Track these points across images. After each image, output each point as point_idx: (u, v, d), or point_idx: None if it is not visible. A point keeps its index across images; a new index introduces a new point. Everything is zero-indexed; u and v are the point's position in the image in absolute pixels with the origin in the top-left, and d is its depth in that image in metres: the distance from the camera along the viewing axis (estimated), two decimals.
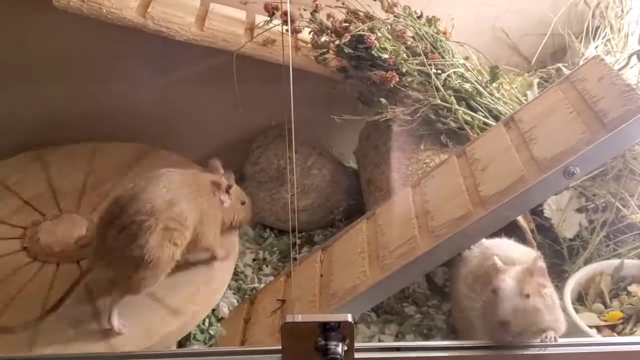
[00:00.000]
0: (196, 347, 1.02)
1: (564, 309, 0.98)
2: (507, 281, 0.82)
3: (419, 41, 1.16)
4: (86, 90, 1.25)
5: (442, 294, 1.10)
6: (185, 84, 1.27)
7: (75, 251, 1.07)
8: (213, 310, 1.07)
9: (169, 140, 1.27)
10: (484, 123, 1.12)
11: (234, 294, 1.12)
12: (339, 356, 0.73)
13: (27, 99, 1.25)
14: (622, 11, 1.27)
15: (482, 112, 1.14)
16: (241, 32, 1.18)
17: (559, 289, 0.99)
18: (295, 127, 1.23)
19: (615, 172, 1.09)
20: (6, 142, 1.24)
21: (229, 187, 1.04)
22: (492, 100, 1.15)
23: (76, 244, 1.08)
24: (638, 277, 1.05)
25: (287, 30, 1.12)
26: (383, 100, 1.13)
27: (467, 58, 1.21)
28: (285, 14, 1.16)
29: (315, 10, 1.17)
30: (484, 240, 0.94)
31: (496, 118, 1.13)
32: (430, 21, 1.19)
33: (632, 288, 1.04)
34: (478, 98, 1.15)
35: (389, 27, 1.17)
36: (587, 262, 1.05)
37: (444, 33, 1.19)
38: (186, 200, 0.97)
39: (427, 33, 1.17)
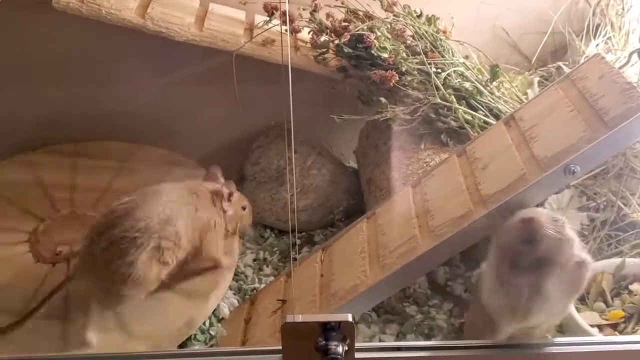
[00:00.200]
0: (197, 347, 1.02)
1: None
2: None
3: (419, 40, 1.16)
4: (86, 91, 1.25)
5: (444, 294, 1.10)
6: (184, 85, 1.27)
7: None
8: (213, 310, 1.07)
9: (169, 140, 1.27)
10: (485, 122, 1.12)
11: (234, 294, 1.12)
12: (339, 356, 0.72)
13: (27, 99, 1.25)
14: (623, 9, 1.26)
15: (483, 111, 1.14)
16: (240, 32, 1.18)
17: None
18: (294, 127, 1.23)
19: (617, 171, 1.09)
20: (5, 143, 1.24)
21: (230, 195, 1.04)
22: (493, 99, 1.15)
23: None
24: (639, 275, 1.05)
25: (285, 30, 1.12)
26: (383, 99, 1.13)
27: (467, 57, 1.21)
28: (284, 14, 1.16)
29: (314, 10, 1.17)
30: None
31: (497, 117, 1.12)
32: (430, 20, 1.19)
33: (634, 287, 1.03)
34: (478, 97, 1.14)
35: (389, 26, 1.17)
36: None
37: (444, 32, 1.19)
38: (184, 217, 0.96)
39: (426, 32, 1.16)
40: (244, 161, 1.29)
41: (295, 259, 1.14)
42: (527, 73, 1.28)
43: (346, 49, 1.15)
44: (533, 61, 1.33)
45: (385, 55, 1.13)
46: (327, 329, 0.73)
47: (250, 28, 1.21)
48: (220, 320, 1.07)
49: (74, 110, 1.26)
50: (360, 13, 1.18)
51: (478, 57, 1.22)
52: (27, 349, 0.92)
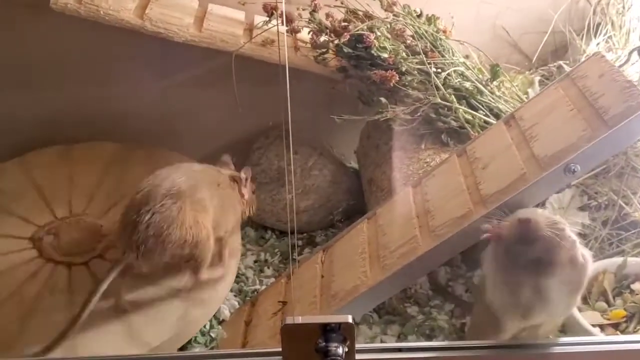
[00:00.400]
0: (197, 349, 1.01)
1: None
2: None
3: (419, 40, 1.15)
4: (84, 92, 1.25)
5: (445, 294, 1.09)
6: (184, 85, 1.27)
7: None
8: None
9: (169, 141, 1.26)
10: (485, 122, 1.12)
11: (235, 296, 1.12)
12: (339, 357, 0.72)
13: (26, 100, 1.25)
14: (624, 8, 1.26)
15: (483, 111, 1.13)
16: (240, 32, 1.18)
17: None
18: (295, 127, 1.22)
19: (618, 170, 1.08)
20: (3, 144, 1.23)
21: (247, 180, 1.06)
22: (493, 98, 1.14)
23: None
24: None
25: (286, 31, 1.12)
26: (383, 99, 1.13)
27: (467, 56, 1.20)
28: (285, 15, 1.16)
29: (314, 10, 1.17)
30: None
31: (497, 116, 1.12)
32: (430, 20, 1.18)
33: (636, 286, 1.03)
34: (479, 96, 1.14)
35: (389, 26, 1.17)
36: None
37: (444, 32, 1.18)
38: (207, 189, 0.98)
39: (426, 32, 1.16)
40: (245, 162, 1.29)
41: (295, 260, 1.14)
42: (527, 72, 1.28)
43: (346, 49, 1.14)
44: (534, 60, 1.32)
45: (385, 55, 1.12)
46: (327, 331, 0.72)
47: (249, 28, 1.21)
48: (220, 322, 1.07)
49: (72, 111, 1.26)
50: (360, 13, 1.18)
51: (478, 56, 1.22)
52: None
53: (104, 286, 0.92)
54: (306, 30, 1.19)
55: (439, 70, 1.14)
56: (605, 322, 0.99)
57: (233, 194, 1.04)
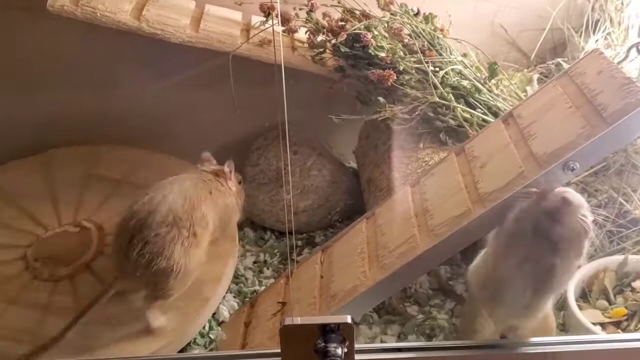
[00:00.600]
0: (196, 351, 1.01)
1: (568, 307, 0.98)
2: None
3: (416, 39, 1.15)
4: (81, 95, 1.24)
5: (447, 291, 1.09)
6: (182, 87, 1.26)
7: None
8: (213, 314, 1.06)
9: (167, 143, 1.26)
10: (483, 120, 1.11)
11: (234, 297, 1.12)
12: (338, 358, 0.72)
13: (23, 104, 1.24)
14: (622, 4, 1.26)
15: (481, 109, 1.13)
16: (237, 33, 1.17)
17: None
18: (294, 127, 1.23)
19: (617, 167, 1.08)
20: (2, 147, 1.23)
21: (231, 172, 1.06)
22: (491, 96, 1.14)
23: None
24: None
25: (279, 31, 1.12)
26: (381, 99, 1.12)
27: (465, 55, 1.20)
28: (280, 14, 1.16)
29: (311, 10, 1.16)
30: None
31: (495, 115, 1.12)
32: (427, 18, 1.18)
33: (637, 284, 1.03)
34: (477, 95, 1.14)
35: (386, 25, 1.16)
36: (590, 258, 1.04)
37: (441, 30, 1.18)
38: (203, 201, 0.98)
39: (424, 30, 1.16)
40: (244, 163, 1.29)
41: (293, 261, 1.14)
42: (525, 70, 1.27)
43: (343, 49, 1.14)
44: (532, 58, 1.32)
45: (383, 54, 1.12)
46: (326, 331, 0.72)
47: (247, 29, 1.21)
48: (220, 323, 1.07)
49: (69, 114, 1.25)
50: (357, 12, 1.17)
51: (476, 54, 1.21)
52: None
53: (96, 305, 0.94)
54: (303, 30, 1.18)
55: (437, 68, 1.13)
56: (607, 320, 0.99)
57: (224, 190, 1.04)
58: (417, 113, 1.11)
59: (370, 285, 0.91)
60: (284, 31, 1.18)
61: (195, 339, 1.02)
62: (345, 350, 0.72)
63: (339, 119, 1.14)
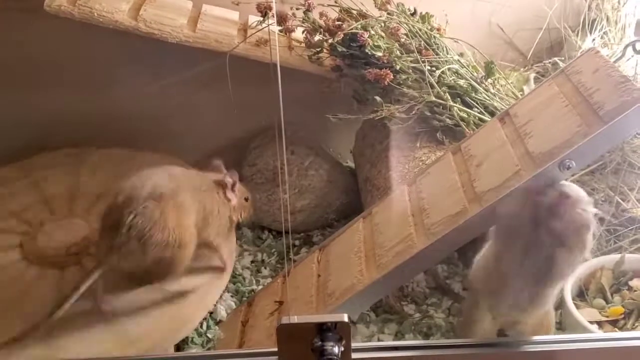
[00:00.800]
0: (194, 350, 1.01)
1: (565, 305, 0.98)
2: None
3: (413, 38, 1.15)
4: (79, 95, 1.24)
5: (444, 289, 1.08)
6: (179, 86, 1.26)
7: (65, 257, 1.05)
8: (211, 313, 1.06)
9: (164, 143, 1.25)
10: (480, 119, 1.12)
11: (232, 296, 1.12)
12: (335, 357, 0.72)
13: (21, 104, 1.24)
14: (619, 3, 1.26)
15: (478, 108, 1.13)
16: (234, 32, 1.18)
17: None
18: (291, 127, 1.23)
19: (614, 166, 1.08)
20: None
21: (234, 184, 1.04)
22: (488, 96, 1.14)
23: (68, 251, 1.06)
24: (639, 271, 1.03)
25: (274, 30, 1.12)
26: (378, 98, 1.12)
27: (462, 54, 1.20)
28: (278, 13, 1.16)
29: (307, 9, 1.16)
30: None
31: (492, 114, 1.12)
32: (424, 18, 1.18)
33: (634, 283, 1.03)
34: (473, 94, 1.14)
35: (383, 24, 1.16)
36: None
37: (438, 29, 1.18)
38: (189, 193, 0.97)
39: (420, 30, 1.16)
40: (241, 163, 1.29)
41: (290, 260, 1.14)
42: (522, 69, 1.27)
43: (340, 48, 1.14)
44: (529, 57, 1.32)
45: (379, 53, 1.12)
46: (323, 330, 0.72)
47: (244, 29, 1.21)
48: (217, 322, 1.07)
49: (67, 114, 1.26)
50: (354, 12, 1.17)
51: (473, 54, 1.21)
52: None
53: (83, 288, 0.91)
54: (301, 30, 1.18)
55: (434, 68, 1.13)
56: (603, 319, 0.99)
57: (218, 198, 1.02)
58: (414, 112, 1.11)
59: (367, 284, 0.91)
60: (280, 31, 1.18)
61: (192, 338, 1.02)
62: (342, 349, 0.72)
63: (336, 118, 1.14)
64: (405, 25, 1.16)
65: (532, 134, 0.92)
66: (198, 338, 1.03)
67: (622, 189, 1.07)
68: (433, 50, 1.15)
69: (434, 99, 1.11)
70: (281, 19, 1.16)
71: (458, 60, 1.17)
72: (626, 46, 0.98)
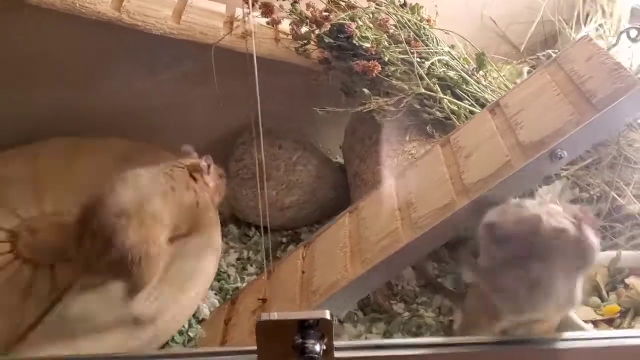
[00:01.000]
0: (173, 348, 0.98)
1: None
2: None
3: (402, 29, 1.12)
4: (61, 88, 1.22)
5: (438, 288, 1.05)
6: (164, 79, 1.24)
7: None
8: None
9: (149, 136, 1.23)
10: (471, 112, 1.09)
11: (215, 294, 1.09)
12: (316, 355, 0.69)
13: (8, 99, 1.22)
14: None
15: (469, 101, 1.10)
16: (220, 25, 1.15)
17: None
18: (279, 121, 1.21)
19: (610, 160, 1.05)
20: None
21: (209, 167, 1.03)
22: (479, 88, 1.11)
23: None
24: (635, 269, 1.00)
25: (266, 23, 1.09)
26: (366, 90, 1.10)
27: (453, 46, 1.18)
28: (264, 5, 1.13)
29: (295, 1, 1.14)
30: None
31: (483, 106, 1.09)
32: (414, 9, 1.15)
33: (630, 280, 1.00)
34: (464, 86, 1.11)
35: (371, 15, 1.14)
36: None
37: (428, 21, 1.15)
38: (159, 199, 0.95)
39: (409, 21, 1.13)
40: (228, 158, 1.26)
41: (275, 257, 1.11)
42: (515, 62, 1.25)
43: (327, 39, 1.12)
44: (522, 50, 1.29)
45: (367, 44, 1.10)
46: (304, 327, 0.69)
47: (230, 21, 1.18)
48: (200, 321, 1.04)
49: (51, 107, 1.23)
50: (342, 3, 1.15)
51: (464, 46, 1.18)
52: None
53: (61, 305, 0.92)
54: (287, 21, 1.16)
55: (423, 59, 1.10)
56: (599, 317, 0.96)
57: (193, 190, 1.01)
58: (402, 105, 1.08)
59: (351, 279, 0.88)
60: (267, 23, 1.15)
61: (173, 337, 0.99)
62: (324, 347, 0.69)
63: (324, 111, 1.12)
64: (394, 16, 1.13)
65: (523, 124, 0.89)
66: (179, 337, 1.00)
67: (617, 184, 1.04)
68: (422, 41, 1.12)
69: (423, 90, 1.08)
70: (268, 11, 1.13)
71: (448, 51, 1.14)
72: (621, 33, 0.95)
